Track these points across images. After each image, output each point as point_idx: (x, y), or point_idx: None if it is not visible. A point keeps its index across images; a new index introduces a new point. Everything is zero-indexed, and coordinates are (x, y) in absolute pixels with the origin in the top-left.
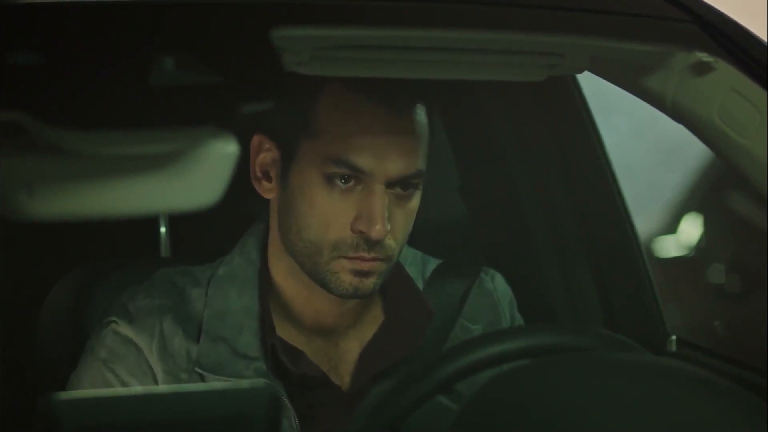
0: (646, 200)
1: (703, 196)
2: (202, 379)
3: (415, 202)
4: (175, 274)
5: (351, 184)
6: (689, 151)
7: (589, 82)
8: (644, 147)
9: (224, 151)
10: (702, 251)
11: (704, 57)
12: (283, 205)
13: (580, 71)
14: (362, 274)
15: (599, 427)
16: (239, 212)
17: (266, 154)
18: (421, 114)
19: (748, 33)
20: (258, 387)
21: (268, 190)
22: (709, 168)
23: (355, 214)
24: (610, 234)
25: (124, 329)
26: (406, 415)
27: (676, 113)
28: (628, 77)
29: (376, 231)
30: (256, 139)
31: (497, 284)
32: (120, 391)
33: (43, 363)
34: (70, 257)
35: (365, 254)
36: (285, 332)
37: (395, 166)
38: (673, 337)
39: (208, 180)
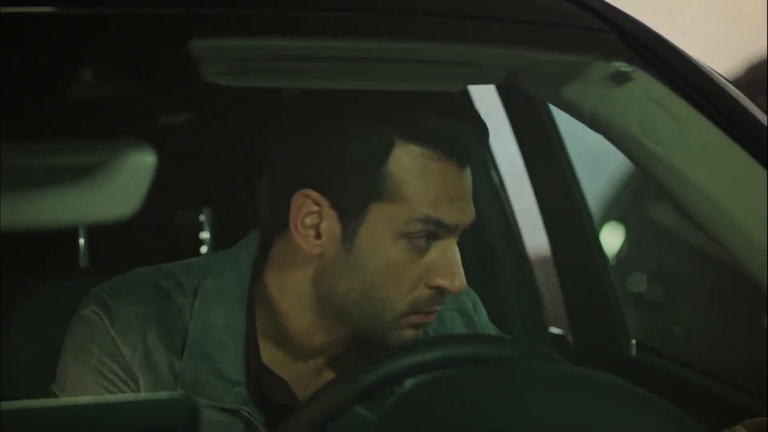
0: None
1: (624, 205)
2: None
3: None
4: (159, 276)
5: (431, 240)
6: (611, 161)
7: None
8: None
9: (143, 162)
10: (623, 260)
11: (623, 67)
12: (342, 266)
13: (499, 81)
14: (424, 325)
15: None
16: (159, 222)
17: (317, 212)
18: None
19: (667, 43)
20: (175, 400)
21: (315, 245)
22: (631, 177)
23: (429, 269)
24: (576, 241)
25: (110, 328)
26: (324, 426)
27: (595, 123)
28: (547, 87)
29: (458, 285)
30: (302, 196)
31: (477, 309)
32: (28, 403)
33: None
34: None
35: (437, 308)
36: (269, 355)
37: (469, 215)
38: (633, 341)
39: (126, 191)
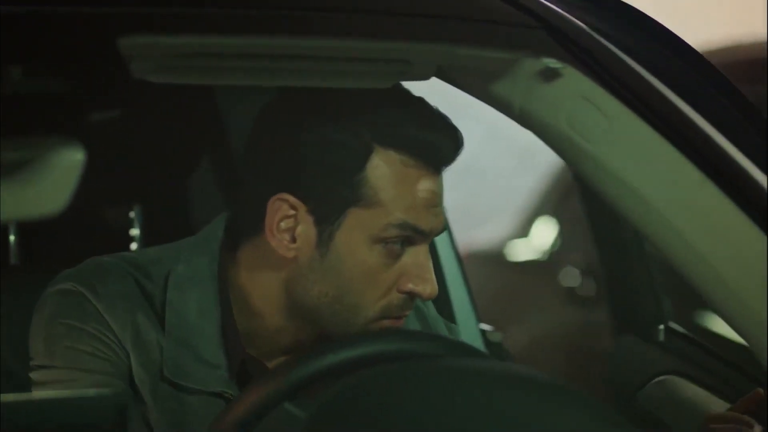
0: (500, 204)
1: (555, 200)
2: (171, 384)
3: None
4: (124, 262)
5: (405, 245)
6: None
7: (439, 88)
8: (498, 152)
9: (72, 159)
10: (555, 255)
11: (552, 63)
12: (316, 270)
13: (428, 78)
14: None
15: None
16: (89, 219)
17: (293, 216)
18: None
19: (595, 39)
20: (105, 395)
21: (290, 249)
22: (562, 172)
23: (402, 274)
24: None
25: (97, 305)
26: (252, 424)
27: (524, 120)
28: (477, 84)
29: (430, 291)
30: (279, 200)
31: (427, 303)
32: None
33: None
34: None
35: (407, 312)
36: (247, 340)
37: (443, 222)
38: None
39: (55, 188)
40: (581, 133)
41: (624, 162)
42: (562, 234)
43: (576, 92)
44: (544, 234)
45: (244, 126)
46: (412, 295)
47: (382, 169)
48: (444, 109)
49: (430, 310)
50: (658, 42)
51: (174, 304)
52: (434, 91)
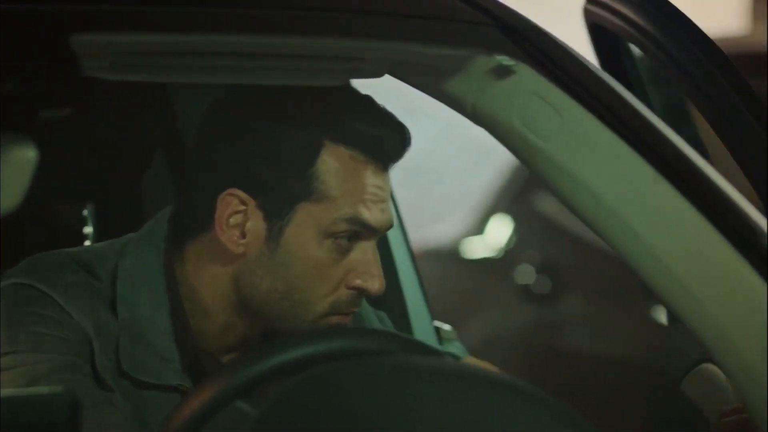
0: (454, 202)
1: (510, 197)
2: (129, 377)
3: None
4: (68, 258)
5: (353, 240)
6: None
7: (393, 86)
8: (453, 150)
9: (24, 157)
10: (509, 252)
11: (505, 60)
12: (265, 265)
13: (381, 75)
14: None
15: (397, 431)
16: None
17: (243, 212)
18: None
19: (548, 36)
20: (56, 395)
21: (239, 245)
22: (517, 170)
23: (350, 270)
24: None
25: (54, 296)
26: (203, 422)
27: (477, 117)
28: (430, 81)
29: (378, 287)
30: (229, 195)
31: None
32: None
33: None
34: None
35: (355, 309)
36: (199, 334)
37: (390, 218)
38: None
39: (8, 186)
40: (534, 131)
41: (576, 159)
42: (517, 231)
43: (529, 89)
44: (499, 232)
45: (196, 122)
46: (360, 291)
47: (332, 163)
48: (397, 107)
49: (368, 310)
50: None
51: (125, 299)
52: (388, 89)
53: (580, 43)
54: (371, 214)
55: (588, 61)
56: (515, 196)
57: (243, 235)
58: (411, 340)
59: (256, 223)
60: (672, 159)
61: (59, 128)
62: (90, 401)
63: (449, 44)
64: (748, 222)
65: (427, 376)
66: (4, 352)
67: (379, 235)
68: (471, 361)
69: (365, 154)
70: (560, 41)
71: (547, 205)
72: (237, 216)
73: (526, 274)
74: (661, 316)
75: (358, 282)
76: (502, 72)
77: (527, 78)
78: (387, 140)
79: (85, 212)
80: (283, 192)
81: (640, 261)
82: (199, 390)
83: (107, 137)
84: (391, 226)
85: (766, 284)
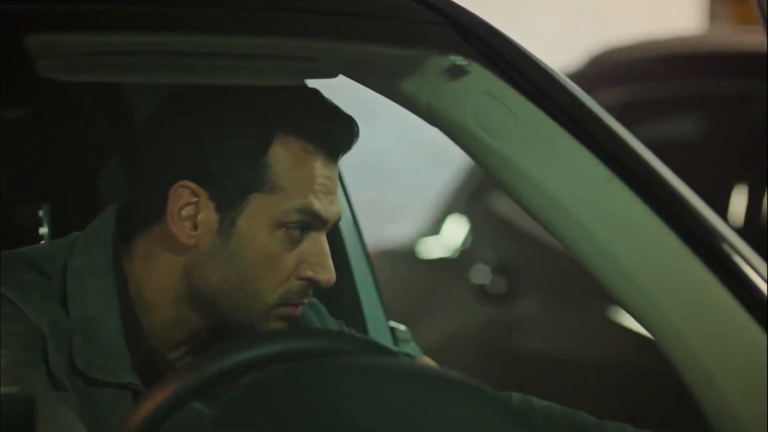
0: (410, 202)
1: (466, 197)
2: (82, 375)
3: None
4: (14, 257)
5: (305, 231)
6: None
7: (349, 86)
8: (409, 150)
9: None
10: (465, 252)
11: (458, 60)
12: (217, 257)
13: (335, 75)
14: (292, 318)
15: (353, 430)
16: None
17: (194, 203)
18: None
19: (501, 36)
20: (11, 395)
21: (191, 237)
22: (473, 170)
23: (301, 261)
24: None
25: (7, 293)
26: (160, 423)
27: (431, 117)
28: (384, 81)
29: (328, 277)
30: (181, 187)
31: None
32: None
33: None
34: None
35: (306, 300)
36: (150, 330)
37: (338, 210)
38: None
39: None
40: (487, 130)
41: (530, 159)
42: (472, 231)
43: (482, 89)
44: (455, 232)
45: (147, 115)
46: (310, 282)
47: (284, 154)
48: (354, 108)
49: (323, 310)
50: None
51: (75, 297)
52: (343, 90)
53: (533, 43)
54: (321, 205)
55: (541, 60)
56: (471, 197)
57: (195, 227)
58: (367, 340)
59: (208, 215)
60: (626, 158)
61: (13, 129)
62: (44, 399)
63: (403, 44)
64: (701, 220)
65: (382, 376)
66: None
67: (329, 226)
68: (426, 361)
69: (316, 145)
70: (513, 41)
71: (503, 205)
72: (189, 208)
73: (481, 274)
74: (617, 315)
75: (309, 273)
76: (456, 72)
77: (480, 78)
78: (337, 132)
79: (41, 212)
80: (234, 183)
81: (594, 260)
82: (155, 391)
83: (62, 137)
84: (339, 217)
85: (718, 281)
